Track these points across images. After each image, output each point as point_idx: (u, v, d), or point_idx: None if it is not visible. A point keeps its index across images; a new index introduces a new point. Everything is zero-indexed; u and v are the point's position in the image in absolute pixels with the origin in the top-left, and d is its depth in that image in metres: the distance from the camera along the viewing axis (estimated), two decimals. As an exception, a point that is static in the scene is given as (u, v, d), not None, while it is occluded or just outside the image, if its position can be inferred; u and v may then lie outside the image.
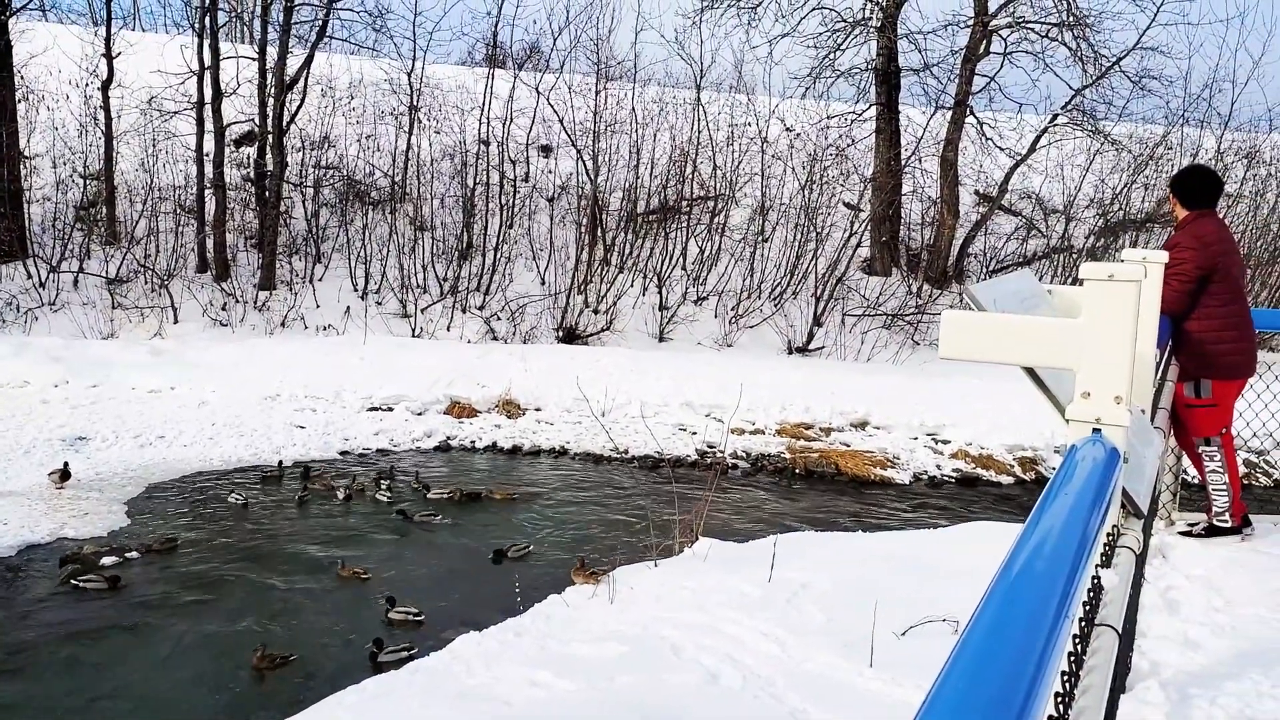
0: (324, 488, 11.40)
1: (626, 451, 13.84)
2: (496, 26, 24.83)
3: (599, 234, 21.74)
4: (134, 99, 21.15)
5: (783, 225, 22.91)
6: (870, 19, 23.61)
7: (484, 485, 12.02)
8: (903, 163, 23.69)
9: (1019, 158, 23.34)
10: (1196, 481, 6.25)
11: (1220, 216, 6.14)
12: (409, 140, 22.79)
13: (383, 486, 11.52)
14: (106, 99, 20.23)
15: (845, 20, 23.78)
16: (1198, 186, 5.97)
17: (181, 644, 7.66)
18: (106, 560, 9.03)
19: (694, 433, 14.64)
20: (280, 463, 12.25)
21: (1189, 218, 5.94)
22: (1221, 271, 5.78)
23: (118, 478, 11.52)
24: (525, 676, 6.08)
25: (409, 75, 22.72)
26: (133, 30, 27.42)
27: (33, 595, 8.45)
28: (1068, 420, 2.31)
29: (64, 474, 10.92)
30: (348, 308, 19.66)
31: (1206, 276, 5.74)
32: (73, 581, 8.56)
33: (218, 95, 20.11)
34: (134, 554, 9.23)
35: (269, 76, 20.50)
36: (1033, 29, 23.10)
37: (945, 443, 14.62)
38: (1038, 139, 23.31)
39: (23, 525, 9.75)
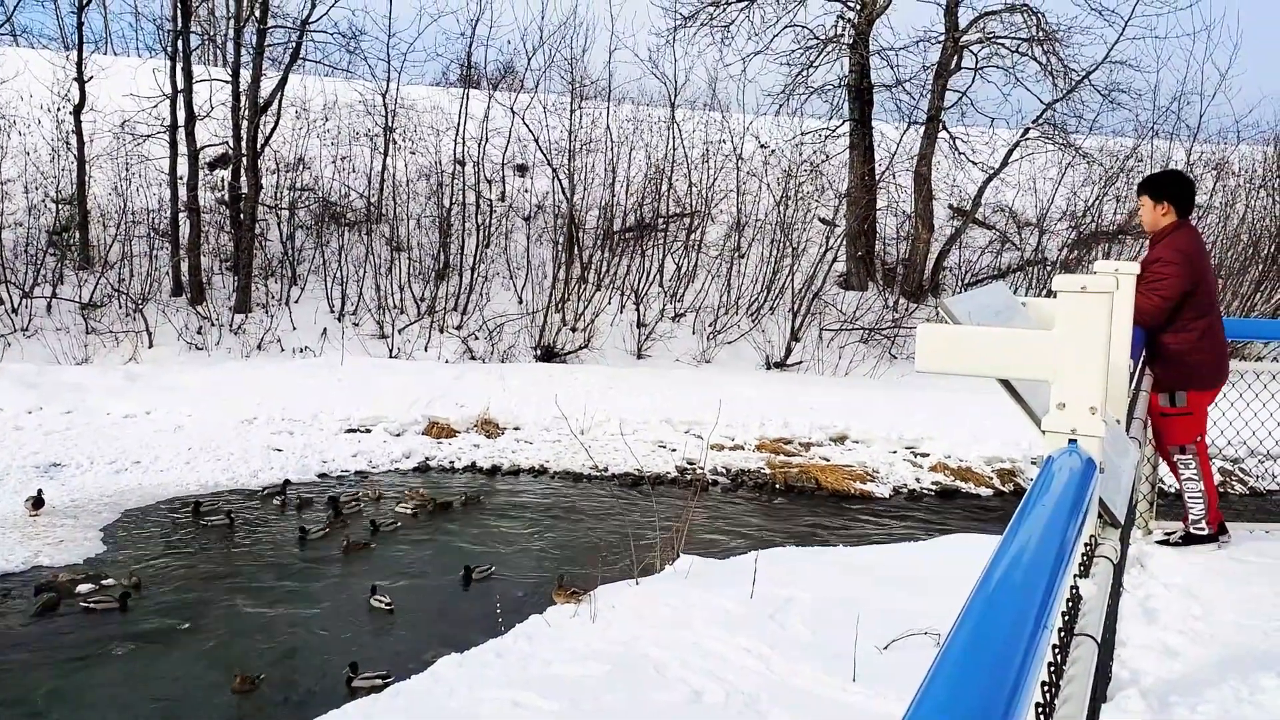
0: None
1: (606, 469, 13.82)
2: (470, 47, 24.94)
3: (576, 252, 21.75)
4: (106, 123, 21.03)
5: (759, 241, 22.99)
6: (842, 36, 23.81)
7: (451, 495, 12.12)
8: (877, 178, 23.85)
9: (992, 171, 23.54)
10: (1173, 490, 6.28)
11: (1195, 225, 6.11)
12: (384, 161, 22.76)
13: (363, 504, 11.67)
14: (79, 123, 20.09)
15: (818, 38, 23.97)
16: (1188, 195, 5.92)
17: (161, 671, 7.58)
18: (82, 588, 8.93)
19: (673, 449, 14.63)
20: (284, 484, 12.31)
21: (1169, 227, 5.82)
22: (1201, 285, 5.76)
23: (93, 504, 11.39)
24: (508, 698, 6.04)
25: (384, 96, 22.72)
26: (105, 54, 27.33)
27: (7, 624, 8.34)
28: (1044, 431, 2.33)
29: (37, 502, 10.80)
30: (324, 329, 19.57)
31: (1188, 291, 5.71)
32: (83, 604, 8.63)
33: (191, 118, 20.03)
34: (109, 581, 9.14)
35: (242, 99, 20.44)
36: (1003, 44, 23.36)
37: (924, 455, 14.68)
38: (1010, 153, 23.53)
39: (-4, 554, 9.64)
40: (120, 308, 19.20)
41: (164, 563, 9.82)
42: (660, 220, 23.08)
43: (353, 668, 7.40)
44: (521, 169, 24.63)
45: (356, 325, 20.13)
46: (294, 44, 21.21)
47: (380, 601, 8.76)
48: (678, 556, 8.80)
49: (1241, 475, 14.25)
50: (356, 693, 7.07)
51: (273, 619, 8.62)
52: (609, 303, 21.43)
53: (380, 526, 10.86)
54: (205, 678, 7.47)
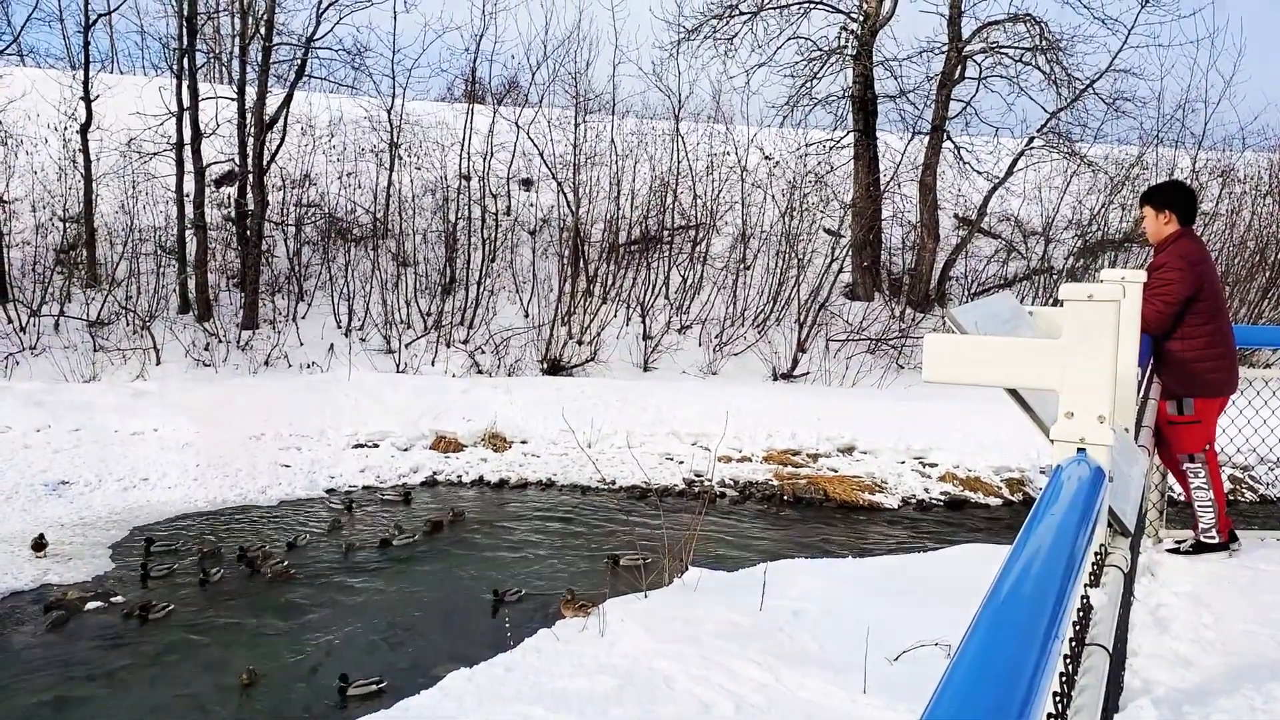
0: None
1: (614, 482, 13.80)
2: (475, 62, 24.90)
3: (581, 265, 21.77)
4: (113, 141, 21.10)
5: (764, 252, 23.00)
6: (846, 47, 23.83)
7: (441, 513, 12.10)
8: (882, 188, 23.85)
9: (997, 181, 23.52)
10: (1182, 499, 6.26)
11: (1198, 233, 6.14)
12: (390, 177, 22.82)
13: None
14: (85, 142, 20.17)
15: (821, 49, 24.00)
16: (1190, 203, 5.94)
17: (166, 686, 7.57)
18: (91, 605, 8.93)
19: (681, 461, 14.61)
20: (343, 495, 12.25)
21: (1173, 236, 5.88)
22: (1206, 290, 5.77)
23: (101, 522, 11.40)
24: (518, 713, 6.03)
25: (389, 112, 22.79)
26: (111, 73, 27.43)
27: (16, 642, 8.34)
28: (1052, 440, 2.32)
29: (38, 544, 10.23)
30: (331, 345, 19.60)
31: (1192, 296, 5.72)
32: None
33: (197, 136, 20.10)
34: (118, 598, 9.14)
35: (248, 116, 20.51)
36: (1007, 54, 23.35)
37: (932, 466, 14.63)
38: (1015, 162, 23.52)
39: (5, 572, 9.64)
40: (128, 325, 19.23)
41: (171, 580, 9.82)
42: (665, 233, 23.10)
43: (343, 678, 7.38)
44: (526, 183, 24.68)
45: (363, 340, 20.16)
46: (299, 61, 21.30)
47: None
48: (686, 569, 8.78)
49: (1251, 483, 14.19)
50: (350, 701, 7.08)
51: (278, 634, 8.61)
52: (615, 316, 21.43)
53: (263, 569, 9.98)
54: (209, 692, 7.46)
